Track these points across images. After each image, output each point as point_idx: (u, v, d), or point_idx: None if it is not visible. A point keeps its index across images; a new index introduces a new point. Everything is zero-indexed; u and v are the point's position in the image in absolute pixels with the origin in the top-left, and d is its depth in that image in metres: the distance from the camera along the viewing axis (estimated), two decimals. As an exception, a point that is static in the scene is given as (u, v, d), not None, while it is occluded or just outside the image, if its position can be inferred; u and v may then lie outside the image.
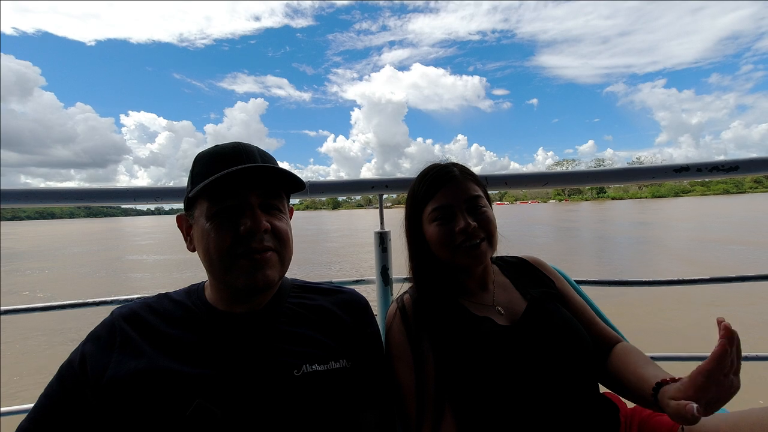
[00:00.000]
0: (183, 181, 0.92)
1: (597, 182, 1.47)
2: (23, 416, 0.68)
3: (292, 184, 0.81)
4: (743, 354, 0.74)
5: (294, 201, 0.97)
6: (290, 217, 0.86)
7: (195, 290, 0.84)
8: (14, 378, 5.26)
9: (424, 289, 0.97)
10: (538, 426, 0.78)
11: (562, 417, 0.79)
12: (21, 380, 5.21)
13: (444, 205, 0.94)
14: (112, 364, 0.68)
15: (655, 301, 7.02)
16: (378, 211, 1.45)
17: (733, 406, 0.83)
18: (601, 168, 1.56)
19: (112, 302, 1.26)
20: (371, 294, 1.24)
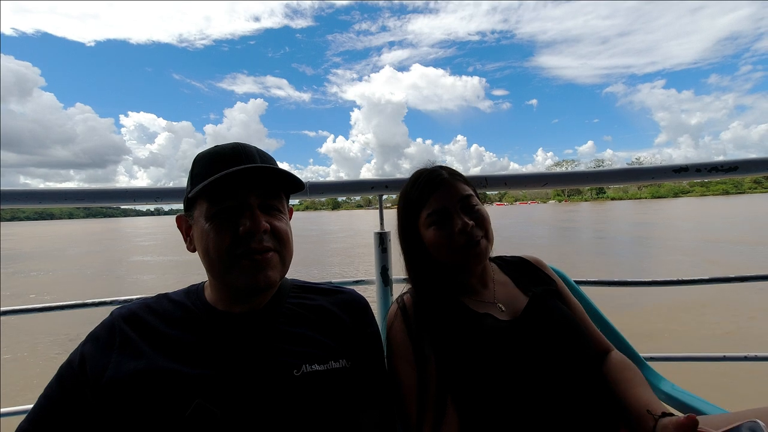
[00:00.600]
0: (182, 182, 0.92)
1: (597, 183, 1.47)
2: (23, 417, 0.68)
3: (292, 184, 0.81)
4: (744, 354, 0.74)
5: (294, 201, 0.97)
6: (290, 218, 0.86)
7: (194, 291, 0.84)
8: (15, 378, 5.25)
9: (423, 290, 0.97)
10: (542, 422, 0.78)
11: (565, 413, 0.79)
12: (21, 380, 5.21)
13: (439, 208, 0.94)
14: (111, 364, 0.68)
15: (655, 301, 7.03)
16: (377, 211, 1.45)
17: (734, 406, 0.84)
18: (601, 168, 1.57)
19: (111, 303, 1.27)
20: (371, 294, 1.24)
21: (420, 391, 0.84)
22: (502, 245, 1.05)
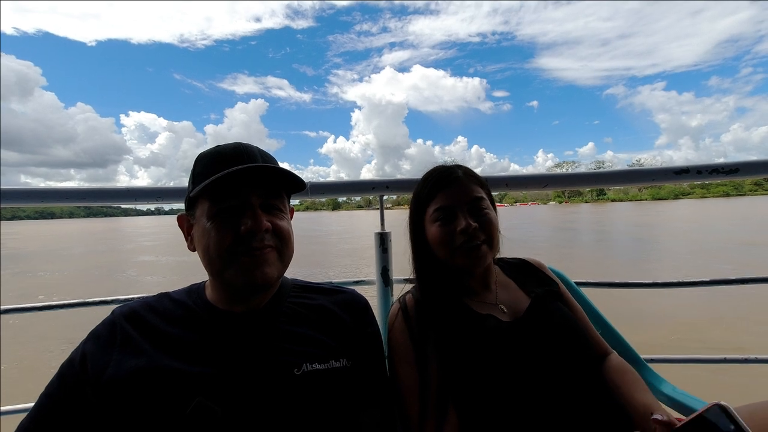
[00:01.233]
0: (183, 182, 0.92)
1: (597, 184, 1.47)
2: (23, 415, 0.68)
3: (293, 184, 0.82)
4: (745, 356, 0.74)
5: (294, 202, 0.97)
6: (291, 218, 0.86)
7: (195, 290, 0.84)
8: (16, 377, 5.25)
9: (427, 289, 0.97)
10: (542, 424, 0.78)
11: (566, 414, 0.79)
12: (23, 379, 5.21)
13: (445, 206, 0.94)
14: (112, 362, 0.68)
15: (657, 303, 7.01)
16: (378, 212, 1.46)
17: (732, 405, 0.83)
18: (602, 170, 1.57)
19: (112, 302, 1.27)
20: (371, 295, 1.24)
21: (421, 392, 0.84)
22: (504, 247, 1.04)
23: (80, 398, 0.67)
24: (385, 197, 1.43)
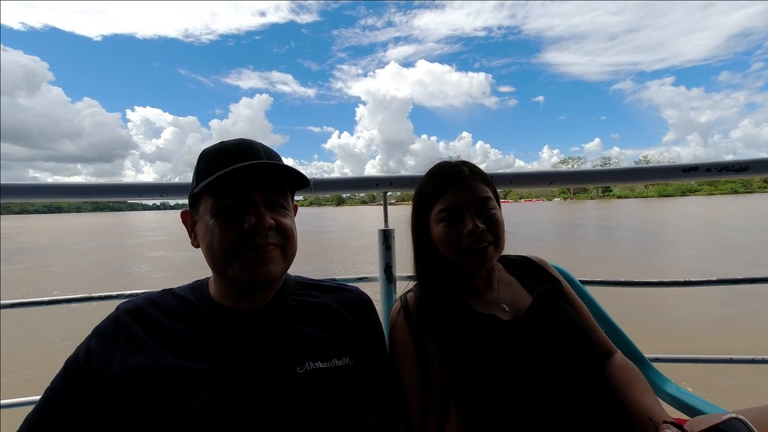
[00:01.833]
0: (188, 177, 0.92)
1: (604, 182, 1.45)
2: (24, 408, 0.69)
3: (297, 181, 0.81)
4: (752, 357, 0.73)
5: (298, 197, 0.97)
6: (294, 214, 0.86)
7: (199, 286, 0.84)
8: (21, 371, 5.33)
9: (429, 288, 0.97)
10: (543, 423, 0.77)
11: (567, 414, 0.78)
12: (28, 373, 5.30)
13: (452, 206, 0.92)
14: (116, 359, 0.69)
15: (662, 302, 6.97)
16: (382, 208, 1.45)
17: (737, 406, 0.83)
18: (609, 167, 1.55)
19: (117, 297, 1.28)
20: (374, 292, 1.23)
21: (423, 391, 0.83)
22: (509, 245, 1.03)
23: (85, 393, 0.68)
24: (389, 193, 1.43)
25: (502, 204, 1.02)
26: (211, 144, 0.82)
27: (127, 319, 0.74)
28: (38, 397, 0.70)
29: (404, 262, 1.13)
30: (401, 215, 1.12)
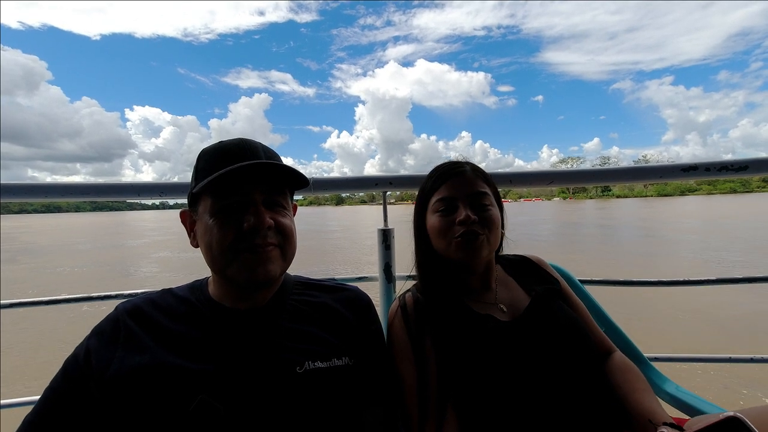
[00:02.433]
0: (187, 176, 0.92)
1: (603, 181, 1.45)
2: (24, 408, 0.69)
3: (296, 180, 0.81)
4: (751, 356, 0.73)
5: (297, 197, 0.97)
6: (294, 214, 0.86)
7: (198, 286, 0.84)
8: (20, 372, 5.33)
9: (427, 288, 0.97)
10: (542, 424, 0.77)
11: (566, 414, 0.78)
12: (27, 373, 5.29)
13: (448, 196, 0.94)
14: (116, 359, 0.69)
15: (661, 301, 6.98)
16: (381, 207, 1.45)
17: (737, 406, 0.83)
18: (608, 167, 1.55)
19: (116, 296, 1.28)
20: (374, 291, 1.23)
21: (421, 391, 0.83)
22: (510, 245, 1.03)
23: (84, 393, 0.67)
24: (388, 193, 1.42)
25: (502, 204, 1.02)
26: (211, 143, 0.82)
27: (126, 319, 0.74)
28: (38, 397, 0.70)
29: (404, 262, 1.13)
30: (401, 215, 1.12)
